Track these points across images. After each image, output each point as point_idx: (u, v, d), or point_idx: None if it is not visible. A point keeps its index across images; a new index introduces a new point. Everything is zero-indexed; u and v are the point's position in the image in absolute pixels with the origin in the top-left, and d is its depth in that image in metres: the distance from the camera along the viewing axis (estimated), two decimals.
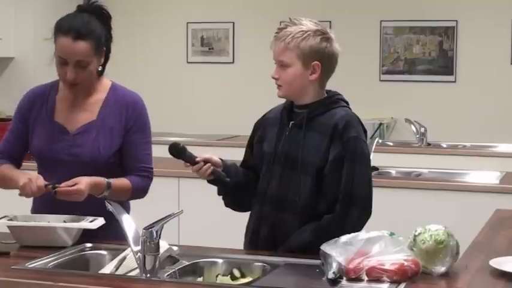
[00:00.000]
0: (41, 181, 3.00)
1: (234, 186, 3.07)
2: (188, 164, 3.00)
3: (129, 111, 3.18)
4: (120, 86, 3.27)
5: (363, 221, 2.92)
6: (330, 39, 2.98)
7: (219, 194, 3.12)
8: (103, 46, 3.15)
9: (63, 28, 3.08)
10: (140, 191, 3.20)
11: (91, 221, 3.00)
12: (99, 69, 3.18)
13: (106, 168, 3.13)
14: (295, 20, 2.99)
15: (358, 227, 2.84)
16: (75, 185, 2.98)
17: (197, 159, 2.98)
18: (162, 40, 8.71)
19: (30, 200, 3.23)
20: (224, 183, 3.03)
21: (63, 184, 2.99)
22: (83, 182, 2.99)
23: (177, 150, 3.00)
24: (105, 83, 3.24)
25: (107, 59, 3.21)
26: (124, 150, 3.17)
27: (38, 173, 3.18)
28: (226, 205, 3.17)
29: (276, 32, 3.00)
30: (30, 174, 3.05)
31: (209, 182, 3.05)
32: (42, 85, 3.29)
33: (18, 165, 3.25)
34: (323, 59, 2.96)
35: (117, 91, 3.23)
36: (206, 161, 2.99)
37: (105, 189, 3.06)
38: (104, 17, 3.19)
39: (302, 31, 2.94)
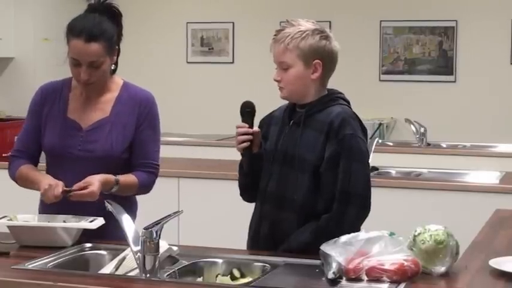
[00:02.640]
0: (58, 189, 2.99)
1: (256, 172, 3.06)
2: (242, 125, 2.99)
3: (140, 107, 3.20)
4: (131, 84, 3.28)
5: (360, 218, 2.91)
6: (329, 37, 2.98)
7: (240, 170, 3.09)
8: (115, 45, 3.16)
9: (75, 30, 3.07)
10: (146, 187, 3.23)
11: (91, 221, 3.00)
12: (113, 67, 3.19)
13: (117, 164, 3.14)
14: (293, 21, 2.99)
15: (356, 225, 2.84)
16: (88, 187, 2.99)
17: (252, 130, 2.97)
18: (161, 40, 8.71)
19: (35, 199, 3.23)
20: (253, 158, 3.01)
21: (75, 186, 3.00)
22: (95, 183, 3.00)
23: (250, 108, 2.99)
24: (117, 81, 3.25)
25: (117, 56, 3.21)
26: (133, 146, 3.19)
27: (47, 170, 3.20)
28: (243, 191, 3.14)
29: (275, 35, 2.99)
30: (51, 180, 3.04)
31: (242, 154, 3.03)
32: (53, 82, 3.29)
33: (36, 163, 3.25)
34: (323, 57, 2.96)
35: (129, 89, 3.24)
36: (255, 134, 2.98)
37: (114, 186, 3.08)
38: (115, 16, 3.18)
39: (300, 31, 2.94)
